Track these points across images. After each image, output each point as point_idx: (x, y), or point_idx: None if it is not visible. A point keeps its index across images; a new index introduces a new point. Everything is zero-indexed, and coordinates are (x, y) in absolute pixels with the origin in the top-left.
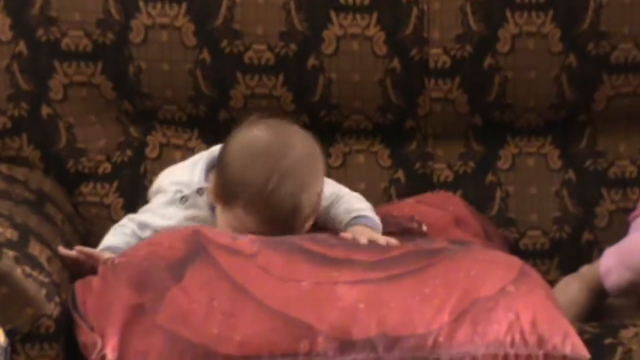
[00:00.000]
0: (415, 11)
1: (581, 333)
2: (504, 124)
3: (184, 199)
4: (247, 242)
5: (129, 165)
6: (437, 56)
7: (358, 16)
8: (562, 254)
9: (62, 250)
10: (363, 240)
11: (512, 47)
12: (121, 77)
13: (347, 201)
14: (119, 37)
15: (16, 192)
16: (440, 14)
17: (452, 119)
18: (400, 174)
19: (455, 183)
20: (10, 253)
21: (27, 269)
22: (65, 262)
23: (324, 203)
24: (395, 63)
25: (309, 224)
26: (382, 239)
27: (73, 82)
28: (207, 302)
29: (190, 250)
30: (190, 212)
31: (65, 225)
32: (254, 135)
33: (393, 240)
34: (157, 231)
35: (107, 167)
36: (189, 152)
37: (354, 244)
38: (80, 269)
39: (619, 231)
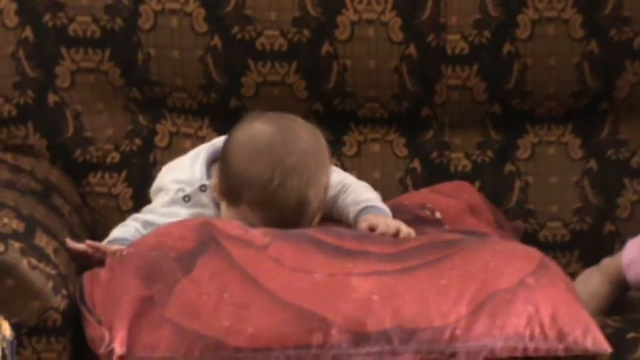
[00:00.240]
0: None
1: (603, 327)
2: (524, 113)
3: (186, 198)
4: (258, 233)
5: (138, 155)
6: (455, 42)
7: (373, 1)
8: (583, 246)
9: (71, 243)
10: (381, 226)
11: (532, 33)
12: (130, 64)
13: (355, 191)
14: (128, 23)
15: (22, 183)
16: None
17: (470, 107)
18: (416, 164)
19: (473, 173)
20: (17, 245)
21: (34, 261)
22: (73, 254)
23: (331, 192)
24: (412, 50)
25: (317, 220)
26: (395, 223)
27: (81, 70)
28: (217, 294)
29: (200, 241)
30: (194, 211)
31: (72, 216)
32: (258, 130)
33: (405, 227)
34: None
35: (115, 156)
36: (199, 141)
37: (368, 235)
38: (88, 262)
39: None
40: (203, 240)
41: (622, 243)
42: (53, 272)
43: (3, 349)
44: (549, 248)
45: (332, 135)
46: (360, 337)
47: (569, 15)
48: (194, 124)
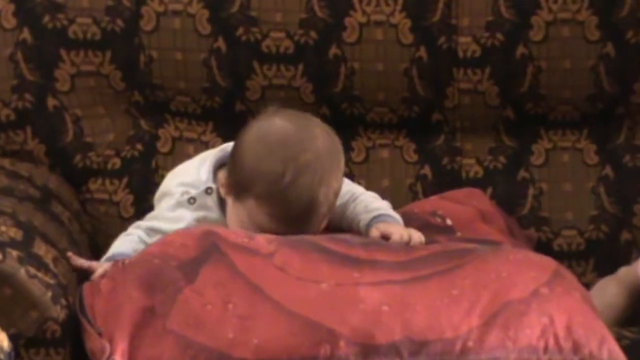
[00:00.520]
0: None
1: (619, 338)
2: (537, 117)
3: (191, 200)
4: (263, 240)
5: (139, 160)
6: (466, 45)
7: (382, 2)
8: (599, 254)
9: (74, 258)
10: (395, 234)
11: (546, 35)
12: (131, 67)
13: (365, 200)
14: (129, 25)
15: (20, 189)
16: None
17: (482, 112)
18: (426, 170)
19: (485, 179)
20: (14, 253)
21: (32, 270)
22: (73, 266)
23: (339, 202)
24: (422, 52)
25: (323, 225)
26: (407, 231)
27: (80, 72)
28: (221, 304)
29: (203, 249)
30: (199, 214)
31: (72, 223)
32: (273, 124)
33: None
34: None
35: (116, 162)
36: (202, 146)
37: (376, 243)
38: (88, 272)
39: None
40: (206, 249)
41: (639, 252)
42: (52, 281)
43: None
44: (563, 257)
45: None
46: (368, 349)
47: (584, 16)
48: (197, 129)
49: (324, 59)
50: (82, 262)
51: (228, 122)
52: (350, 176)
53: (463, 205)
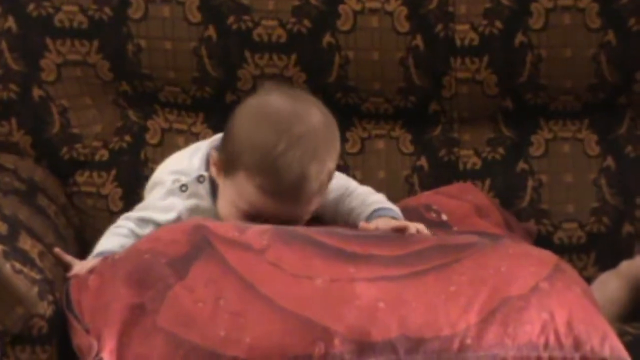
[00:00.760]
0: None
1: (621, 334)
2: (537, 107)
3: (183, 188)
4: (255, 234)
5: (127, 152)
6: (464, 33)
7: None
8: (600, 248)
9: (60, 253)
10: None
11: (546, 22)
12: (119, 56)
13: (361, 194)
14: (117, 13)
15: (5, 182)
16: None
17: (480, 102)
18: (423, 161)
19: (483, 171)
20: None
21: (17, 265)
22: (60, 261)
23: (333, 195)
24: (418, 40)
25: (314, 206)
26: (414, 224)
27: (67, 62)
28: (213, 301)
29: (193, 244)
30: (191, 202)
31: (58, 217)
32: (269, 99)
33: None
34: (159, 226)
35: (104, 154)
36: (193, 137)
37: (373, 237)
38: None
39: None
40: (196, 244)
41: None
42: (38, 277)
43: None
44: (564, 250)
45: None
46: (364, 347)
47: (584, 3)
48: (187, 120)
49: (317, 47)
50: (69, 259)
51: (219, 113)
52: (345, 167)
53: (458, 200)
